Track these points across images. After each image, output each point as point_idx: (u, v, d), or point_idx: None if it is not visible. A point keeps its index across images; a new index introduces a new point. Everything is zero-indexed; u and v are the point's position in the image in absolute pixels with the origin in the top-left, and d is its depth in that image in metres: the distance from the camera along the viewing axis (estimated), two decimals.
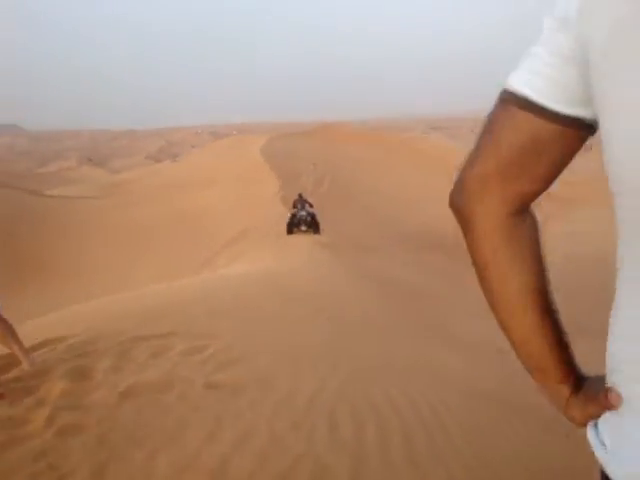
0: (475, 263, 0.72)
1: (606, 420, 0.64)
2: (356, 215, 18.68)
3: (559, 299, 0.73)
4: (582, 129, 0.65)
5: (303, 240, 12.48)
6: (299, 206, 15.04)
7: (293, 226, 14.41)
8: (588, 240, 16.90)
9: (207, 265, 13.35)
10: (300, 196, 15.71)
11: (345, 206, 19.61)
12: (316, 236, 13.45)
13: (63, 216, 20.03)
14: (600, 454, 0.63)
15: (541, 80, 0.62)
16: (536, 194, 0.69)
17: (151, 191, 24.98)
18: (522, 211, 0.69)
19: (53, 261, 16.60)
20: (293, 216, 14.81)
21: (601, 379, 0.66)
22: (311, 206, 15.27)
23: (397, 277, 10.96)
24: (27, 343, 3.45)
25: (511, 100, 0.64)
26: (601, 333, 0.73)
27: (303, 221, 14.64)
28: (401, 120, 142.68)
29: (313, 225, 14.52)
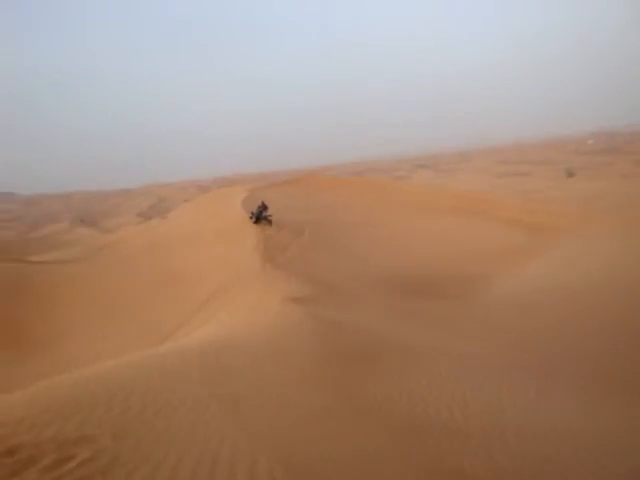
0: None
1: None
2: (337, 263, 18.65)
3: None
4: None
5: (275, 296, 12.34)
6: (263, 208, 23.66)
7: (257, 220, 23.20)
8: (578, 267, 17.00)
9: (179, 329, 13.30)
10: (262, 203, 24.10)
11: (327, 255, 19.61)
12: (292, 290, 13.37)
13: (40, 282, 19.97)
14: None
15: None
16: None
17: (136, 251, 24.97)
18: None
19: (24, 330, 16.45)
20: (258, 216, 23.51)
21: None
22: (266, 208, 23.61)
23: (378, 331, 10.85)
24: None
25: None
26: None
27: (264, 219, 23.31)
28: (387, 160, 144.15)
29: (267, 222, 23.09)
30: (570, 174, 51.42)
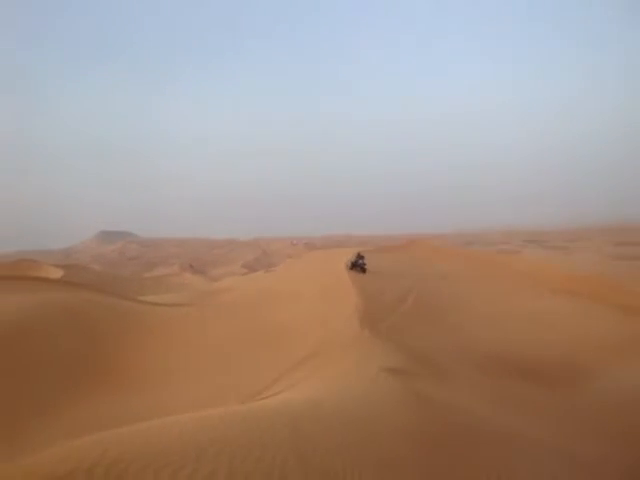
0: None
1: None
2: (438, 335, 18.11)
3: None
4: None
5: (371, 364, 12.00)
6: (359, 258, 27.69)
7: (353, 267, 27.16)
8: None
9: (267, 389, 13.17)
10: (359, 253, 28.15)
11: (428, 324, 19.15)
12: (389, 360, 13.01)
13: (147, 322, 20.67)
14: None
15: None
16: None
17: (240, 301, 25.49)
18: None
19: (122, 368, 16.90)
20: (354, 263, 27.48)
21: None
22: (362, 257, 27.60)
23: (476, 414, 10.32)
24: None
25: None
26: None
27: (359, 267, 27.02)
28: (495, 233, 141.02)
29: (363, 270, 26.76)
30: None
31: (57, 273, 42.59)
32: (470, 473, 6.26)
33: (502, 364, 15.76)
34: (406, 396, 9.23)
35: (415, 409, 8.55)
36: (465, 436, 7.90)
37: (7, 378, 13.81)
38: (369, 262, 28.16)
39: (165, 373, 16.59)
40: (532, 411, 12.00)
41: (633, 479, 8.47)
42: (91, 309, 20.68)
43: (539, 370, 15.63)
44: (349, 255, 30.38)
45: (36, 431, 11.91)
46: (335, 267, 27.41)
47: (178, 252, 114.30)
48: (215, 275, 68.03)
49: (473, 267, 30.51)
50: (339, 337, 16.08)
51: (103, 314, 20.58)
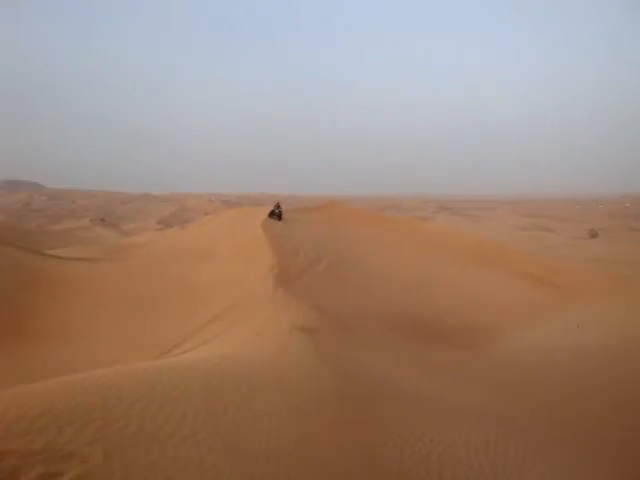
0: None
1: None
2: (351, 297, 18.42)
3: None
4: None
5: (284, 322, 12.12)
6: (277, 207, 30.50)
7: (272, 215, 29.66)
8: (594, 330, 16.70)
9: (180, 345, 13.11)
10: (277, 203, 31.16)
11: (341, 287, 19.42)
12: (302, 319, 13.15)
13: (55, 277, 19.94)
14: None
15: None
16: None
17: (151, 258, 24.96)
18: None
19: (30, 320, 16.34)
20: (272, 212, 30.15)
21: None
22: (279, 207, 30.46)
23: (386, 374, 10.63)
24: None
25: None
26: None
27: (276, 215, 29.76)
28: (412, 199, 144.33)
29: (279, 217, 29.68)
30: (593, 234, 50.95)
31: None
32: (381, 437, 6.47)
33: (411, 326, 16.29)
34: (317, 354, 9.42)
35: (325, 367, 8.74)
36: (371, 393, 8.15)
37: None
38: (284, 224, 28.26)
39: (77, 329, 16.15)
40: (439, 371, 12.52)
41: (534, 428, 9.01)
42: None
43: (446, 332, 16.28)
44: (265, 214, 30.27)
45: None
46: (251, 225, 27.23)
47: (88, 205, 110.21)
48: (128, 230, 66.28)
49: (388, 232, 31.05)
50: (253, 295, 16.11)
51: (6, 267, 19.70)
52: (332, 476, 4.97)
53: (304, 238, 25.08)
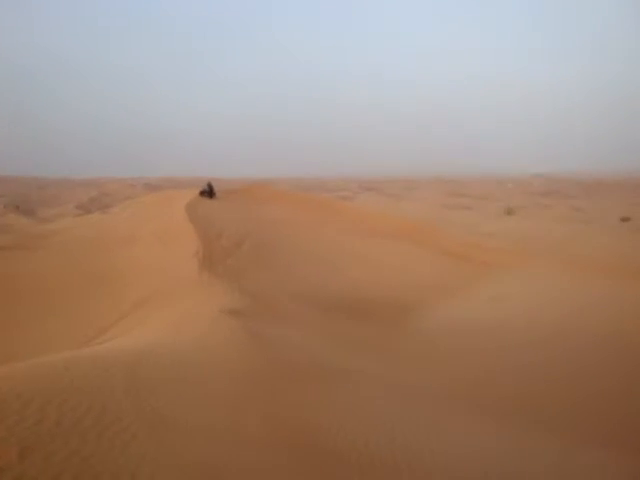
0: None
1: None
2: (274, 278, 18.51)
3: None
4: None
5: (210, 305, 12.07)
6: (209, 186, 31.37)
7: (203, 194, 30.72)
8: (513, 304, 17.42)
9: (103, 333, 12.86)
10: (209, 183, 32.03)
11: (265, 269, 19.45)
12: (227, 302, 13.11)
13: None
14: None
15: None
16: None
17: (72, 245, 24.22)
18: None
19: None
20: (202, 191, 31.12)
21: None
22: (210, 186, 31.28)
23: (312, 352, 10.77)
24: None
25: None
26: None
27: (207, 193, 30.83)
28: (334, 180, 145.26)
29: (212, 195, 31.00)
30: (509, 212, 52.82)
31: None
32: (310, 413, 6.57)
33: (335, 305, 16.52)
34: (242, 336, 9.43)
35: (253, 348, 8.78)
36: (303, 375, 8.25)
37: None
38: (207, 207, 27.98)
39: None
40: (362, 347, 12.79)
41: (454, 397, 9.36)
42: None
43: (370, 309, 16.60)
44: (188, 197, 29.89)
45: None
46: (174, 209, 26.80)
47: (1, 190, 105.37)
48: (45, 216, 63.74)
49: (310, 212, 31.26)
50: (177, 280, 15.93)
51: None
52: (260, 455, 5.05)
53: (227, 220, 24.90)
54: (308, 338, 12.28)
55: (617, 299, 17.02)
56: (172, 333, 9.80)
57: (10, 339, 13.96)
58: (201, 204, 28.96)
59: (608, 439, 8.35)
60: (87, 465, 3.77)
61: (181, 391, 6.01)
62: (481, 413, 8.91)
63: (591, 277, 19.64)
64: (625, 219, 44.21)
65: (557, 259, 23.08)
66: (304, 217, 29.75)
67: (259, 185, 39.20)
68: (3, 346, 13.27)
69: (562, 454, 7.27)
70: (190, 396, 5.91)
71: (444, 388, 10.14)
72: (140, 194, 69.82)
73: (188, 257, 18.11)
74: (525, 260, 23.18)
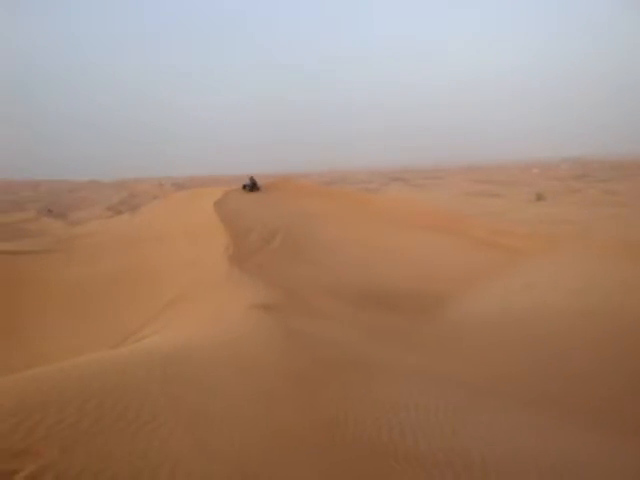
0: None
1: None
2: (306, 272, 18.51)
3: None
4: None
5: (242, 301, 12.11)
6: (251, 180, 33.03)
7: (245, 188, 32.70)
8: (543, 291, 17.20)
9: (137, 332, 12.99)
10: (252, 177, 33.30)
11: (295, 263, 19.48)
12: (259, 297, 13.13)
13: (3, 273, 19.48)
14: None
15: None
16: None
17: (104, 246, 24.56)
18: None
19: None
20: (244, 186, 32.96)
21: None
22: (252, 179, 33.04)
23: (346, 345, 10.75)
24: None
25: None
26: None
27: (249, 187, 32.61)
28: (361, 172, 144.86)
29: (255, 189, 32.87)
30: (540, 197, 52.05)
31: None
32: (346, 405, 6.56)
33: (368, 298, 16.45)
34: (276, 331, 9.45)
35: (285, 344, 8.78)
36: (338, 368, 8.24)
37: None
38: (236, 203, 28.11)
39: (30, 322, 15.84)
40: (396, 339, 12.73)
41: (495, 390, 9.26)
42: None
43: (401, 302, 16.50)
44: (217, 194, 30.05)
45: None
46: (202, 207, 26.96)
47: (33, 196, 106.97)
48: (77, 219, 64.59)
49: (339, 205, 31.21)
50: (209, 277, 16.04)
51: None
52: (296, 453, 5.05)
53: (256, 216, 25.01)
54: (340, 331, 12.28)
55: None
56: (205, 330, 9.86)
57: (48, 340, 14.21)
58: (230, 200, 29.12)
59: None
60: (126, 462, 3.81)
61: (216, 387, 6.05)
62: (514, 406, 8.79)
63: (621, 261, 19.28)
64: None
65: (589, 243, 22.70)
66: (333, 210, 29.72)
67: (285, 180, 39.20)
68: (39, 349, 13.50)
69: (601, 447, 7.15)
70: (226, 392, 5.94)
71: (478, 380, 10.03)
72: (168, 193, 70.44)
73: (218, 253, 18.22)
74: (557, 245, 22.86)
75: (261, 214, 25.76)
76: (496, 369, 10.79)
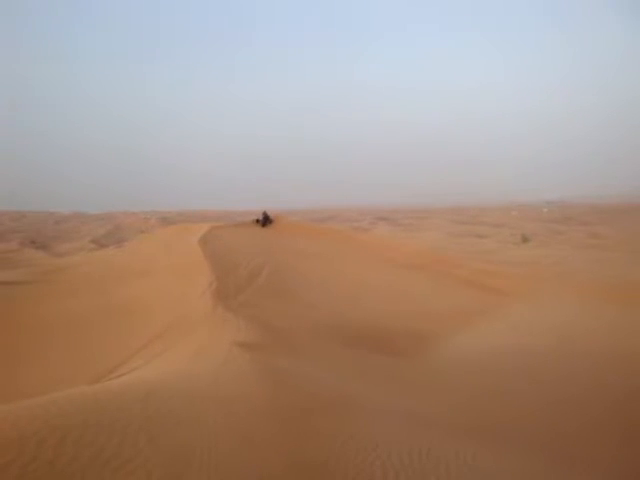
0: None
1: None
2: (291, 310, 18.40)
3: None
4: None
5: (224, 339, 11.98)
6: (264, 215, 34.53)
7: (257, 222, 34.47)
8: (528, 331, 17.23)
9: (119, 367, 12.80)
10: (264, 212, 34.92)
11: (281, 301, 19.37)
12: (241, 335, 13.00)
13: None
14: None
15: None
16: None
17: (86, 279, 24.37)
18: None
19: None
20: (257, 220, 34.71)
21: None
22: (266, 215, 34.65)
23: (327, 385, 10.63)
24: None
25: None
26: None
27: (262, 221, 34.18)
28: (349, 210, 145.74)
29: (268, 223, 34.43)
30: (525, 239, 52.52)
31: None
32: (327, 448, 6.46)
33: (352, 337, 16.34)
34: (260, 371, 9.34)
35: (269, 384, 8.68)
36: (319, 408, 8.13)
37: None
38: (222, 239, 28.07)
39: (10, 353, 15.56)
40: (379, 378, 12.61)
41: (456, 430, 9.16)
42: None
43: (389, 341, 16.42)
44: (203, 230, 30.01)
45: None
46: (188, 242, 26.90)
47: (17, 226, 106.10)
48: (60, 251, 64.15)
49: (328, 243, 31.28)
50: (192, 313, 15.90)
51: None
52: None
53: (243, 252, 24.94)
54: (324, 370, 12.15)
55: (628, 323, 17.03)
56: (185, 368, 9.75)
57: (21, 376, 13.94)
58: (217, 236, 29.07)
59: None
60: None
61: (197, 426, 5.94)
62: (501, 451, 8.70)
63: (607, 303, 19.45)
64: None
65: (576, 285, 22.88)
66: (322, 248, 29.78)
67: (274, 216, 39.35)
68: (15, 384, 13.24)
69: None
70: (206, 431, 5.83)
71: (465, 424, 9.94)
72: (154, 228, 70.30)
73: (202, 290, 18.09)
74: (544, 287, 23.00)
75: (250, 250, 25.73)
76: (483, 414, 10.70)
